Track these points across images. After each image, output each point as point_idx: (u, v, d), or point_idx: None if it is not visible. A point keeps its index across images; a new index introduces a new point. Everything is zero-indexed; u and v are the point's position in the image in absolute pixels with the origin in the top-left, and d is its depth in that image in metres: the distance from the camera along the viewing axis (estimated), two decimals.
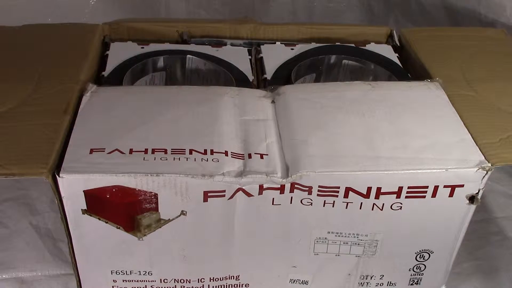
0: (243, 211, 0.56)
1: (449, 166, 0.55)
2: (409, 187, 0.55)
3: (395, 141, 0.57)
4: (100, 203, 0.53)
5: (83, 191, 0.52)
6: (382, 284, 0.65)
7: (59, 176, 0.51)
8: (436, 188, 0.56)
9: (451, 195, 0.56)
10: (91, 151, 0.53)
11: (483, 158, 0.56)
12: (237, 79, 0.70)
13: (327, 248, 0.61)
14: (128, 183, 0.52)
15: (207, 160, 0.53)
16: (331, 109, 0.61)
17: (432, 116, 0.61)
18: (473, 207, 0.58)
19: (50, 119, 0.57)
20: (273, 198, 0.55)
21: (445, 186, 0.56)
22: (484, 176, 0.56)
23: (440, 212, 0.58)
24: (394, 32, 0.82)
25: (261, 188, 0.54)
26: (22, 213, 0.83)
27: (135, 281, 0.61)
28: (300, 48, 0.78)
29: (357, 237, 0.60)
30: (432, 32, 0.82)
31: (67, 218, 0.54)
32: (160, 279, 0.61)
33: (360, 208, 0.56)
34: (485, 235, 0.84)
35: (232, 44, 0.79)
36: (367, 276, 0.64)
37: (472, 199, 0.57)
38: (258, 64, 0.75)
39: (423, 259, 0.63)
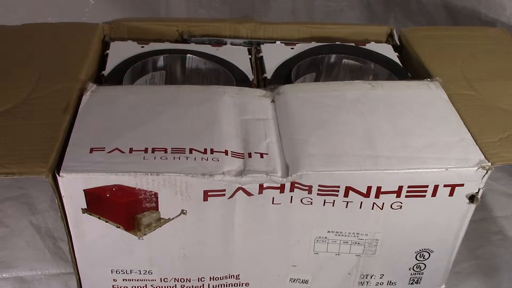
0: (243, 210, 0.56)
1: (449, 165, 0.55)
2: (409, 187, 0.55)
3: (395, 140, 0.57)
4: (100, 202, 0.53)
5: (83, 190, 0.52)
6: (382, 283, 0.65)
7: (59, 175, 0.51)
8: (436, 187, 0.56)
9: (451, 194, 0.56)
10: (91, 150, 0.53)
11: (483, 157, 0.56)
12: (237, 79, 0.70)
13: (327, 247, 0.61)
14: (128, 182, 0.52)
15: (207, 159, 0.53)
16: (331, 108, 0.61)
17: (432, 115, 0.61)
18: (473, 206, 0.58)
19: (50, 119, 0.57)
20: (273, 198, 0.55)
21: (445, 186, 0.56)
22: (484, 175, 0.56)
23: (440, 212, 0.58)
24: (394, 31, 0.82)
25: (261, 188, 0.54)
26: (22, 212, 0.83)
27: (135, 280, 0.61)
28: (300, 47, 0.78)
29: (357, 236, 0.60)
30: (432, 32, 0.82)
31: (67, 217, 0.54)
32: (160, 278, 0.61)
33: (360, 208, 0.56)
34: (485, 235, 0.84)
35: (232, 43, 0.79)
36: (367, 275, 0.64)
37: (472, 198, 0.57)
38: (258, 63, 0.75)
39: (423, 258, 0.63)
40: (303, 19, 1.28)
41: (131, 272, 0.60)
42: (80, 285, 0.62)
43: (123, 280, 0.61)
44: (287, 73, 0.72)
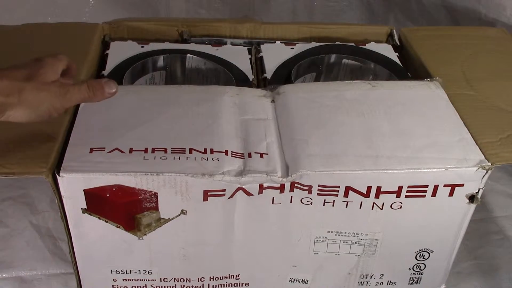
0: (243, 210, 0.56)
1: (449, 165, 0.55)
2: (409, 187, 0.55)
3: (395, 140, 0.57)
4: (100, 202, 0.53)
5: (83, 190, 0.52)
6: (382, 283, 0.65)
7: (59, 175, 0.51)
8: (436, 187, 0.56)
9: (451, 194, 0.56)
10: (91, 150, 0.53)
11: (483, 157, 0.56)
12: (237, 78, 0.70)
13: (327, 247, 0.61)
14: (128, 182, 0.52)
15: (207, 159, 0.53)
16: (331, 108, 0.61)
17: (432, 115, 0.61)
18: (473, 206, 0.58)
19: None
20: (273, 197, 0.55)
21: (445, 185, 0.56)
22: (484, 175, 0.56)
23: (440, 211, 0.58)
24: (394, 31, 0.82)
25: (261, 187, 0.54)
26: (22, 212, 0.83)
27: (135, 280, 0.61)
28: (300, 47, 0.78)
29: (357, 236, 0.60)
30: (432, 32, 0.82)
31: (67, 217, 0.54)
32: (160, 278, 0.61)
33: (360, 207, 0.56)
34: (485, 235, 0.84)
35: (232, 43, 0.79)
36: (367, 275, 0.64)
37: (472, 198, 0.57)
38: (258, 63, 0.75)
39: (423, 258, 0.63)
40: (303, 19, 1.28)
41: (131, 272, 0.60)
42: (80, 285, 0.62)
43: (123, 280, 0.61)
44: (287, 73, 0.72)
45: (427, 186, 0.55)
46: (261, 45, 0.78)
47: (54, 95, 0.48)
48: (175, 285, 0.62)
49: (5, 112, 0.46)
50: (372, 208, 0.57)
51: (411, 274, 0.65)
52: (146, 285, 0.62)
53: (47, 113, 0.48)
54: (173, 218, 0.55)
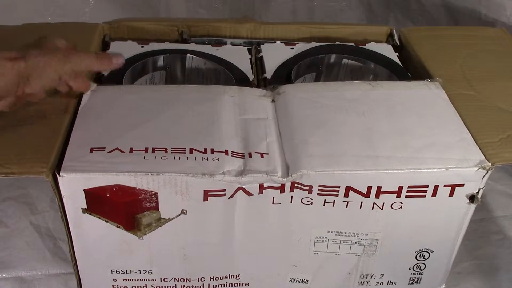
0: (243, 210, 0.56)
1: (449, 165, 0.55)
2: (409, 187, 0.55)
3: (395, 140, 0.57)
4: (100, 202, 0.53)
5: (83, 190, 0.52)
6: (382, 283, 0.65)
7: (59, 175, 0.51)
8: (436, 187, 0.56)
9: (451, 194, 0.56)
10: (91, 150, 0.53)
11: (483, 157, 0.56)
12: (237, 78, 0.70)
13: (327, 247, 0.61)
14: (128, 182, 0.52)
15: (208, 159, 0.53)
16: (331, 108, 0.61)
17: (432, 115, 0.61)
18: (473, 206, 0.58)
19: (50, 118, 0.57)
20: (273, 197, 0.55)
21: (445, 186, 0.56)
22: (484, 176, 0.56)
23: (440, 212, 0.58)
24: (394, 31, 0.82)
25: (261, 187, 0.54)
26: (22, 212, 0.83)
27: (135, 280, 0.61)
28: (300, 47, 0.78)
29: (357, 236, 0.60)
30: (432, 32, 0.82)
31: (67, 217, 0.54)
32: (160, 278, 0.61)
33: (360, 207, 0.56)
34: (485, 235, 0.84)
35: (232, 43, 0.79)
36: (367, 275, 0.64)
37: (472, 198, 0.57)
38: (258, 63, 0.75)
39: (423, 258, 0.63)
40: (303, 19, 1.28)
41: (131, 272, 0.60)
42: (80, 285, 0.62)
43: (123, 280, 0.61)
44: (287, 73, 0.72)
45: (427, 186, 0.55)
46: (261, 45, 0.78)
47: (59, 59, 0.51)
48: (175, 285, 0.62)
49: (21, 79, 0.49)
50: (372, 208, 0.57)
51: (411, 274, 0.65)
52: (146, 285, 0.62)
53: (57, 76, 0.51)
54: (173, 218, 0.55)
